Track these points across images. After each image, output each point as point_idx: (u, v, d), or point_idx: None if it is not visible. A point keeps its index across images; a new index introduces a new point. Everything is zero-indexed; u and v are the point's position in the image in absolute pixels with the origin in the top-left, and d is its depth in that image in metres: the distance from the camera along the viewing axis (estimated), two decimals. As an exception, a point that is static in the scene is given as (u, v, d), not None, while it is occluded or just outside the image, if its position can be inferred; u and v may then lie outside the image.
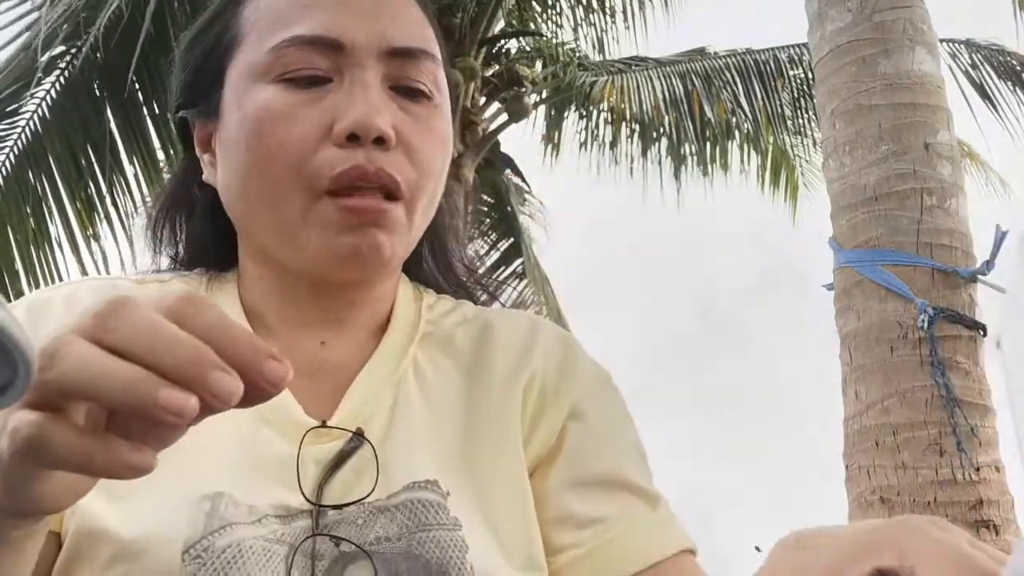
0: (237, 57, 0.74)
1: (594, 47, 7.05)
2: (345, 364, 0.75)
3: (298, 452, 0.68)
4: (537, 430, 0.76)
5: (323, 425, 0.70)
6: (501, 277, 7.84)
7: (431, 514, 0.67)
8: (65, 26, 5.09)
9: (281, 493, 0.66)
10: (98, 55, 4.94)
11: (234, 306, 0.77)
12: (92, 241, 5.51)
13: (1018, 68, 6.05)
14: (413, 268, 0.86)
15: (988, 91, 6.02)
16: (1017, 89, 6.03)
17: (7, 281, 5.41)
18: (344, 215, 0.69)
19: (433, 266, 0.87)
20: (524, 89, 6.56)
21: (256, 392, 0.44)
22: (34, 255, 5.45)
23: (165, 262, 0.84)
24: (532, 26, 6.97)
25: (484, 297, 0.90)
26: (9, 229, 5.41)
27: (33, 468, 0.45)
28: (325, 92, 0.71)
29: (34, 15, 5.27)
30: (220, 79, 0.75)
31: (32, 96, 5.39)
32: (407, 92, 0.73)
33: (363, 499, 0.67)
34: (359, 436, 0.70)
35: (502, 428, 0.75)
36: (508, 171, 7.72)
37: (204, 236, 0.82)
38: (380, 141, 0.70)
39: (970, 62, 6.10)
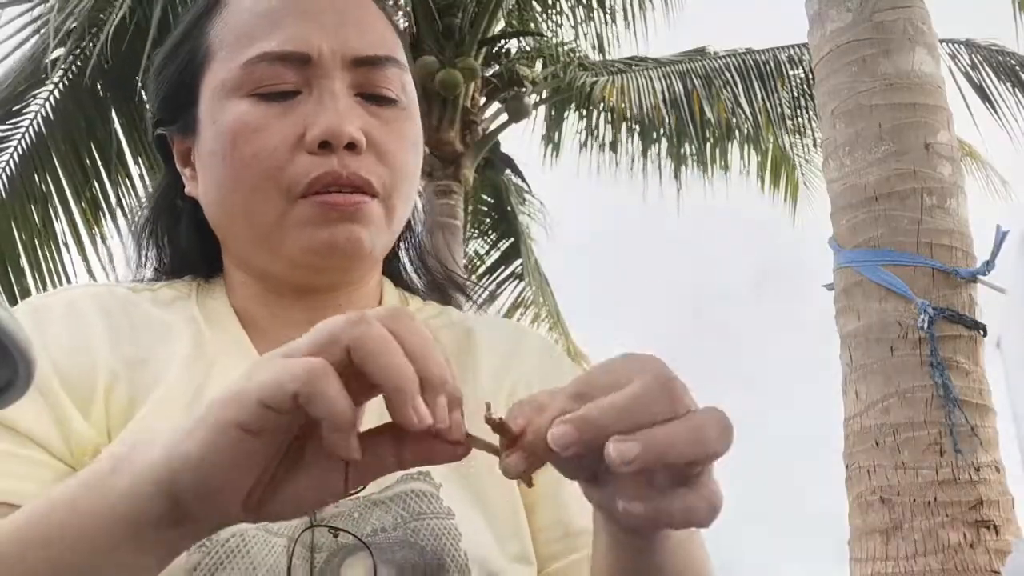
0: (208, 73, 0.77)
1: (594, 47, 7.05)
2: None
3: None
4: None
5: None
6: (501, 277, 7.84)
7: (424, 503, 0.69)
8: (71, 27, 5.09)
9: None
10: (103, 56, 4.94)
11: (226, 311, 0.79)
12: (98, 240, 5.53)
13: (1018, 68, 6.05)
14: (396, 275, 0.88)
15: (988, 91, 6.02)
16: (1017, 90, 6.03)
17: (12, 280, 5.42)
18: (321, 210, 0.72)
19: (406, 262, 0.89)
20: (524, 89, 6.57)
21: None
22: (40, 254, 5.46)
23: (148, 273, 0.86)
24: (532, 26, 6.97)
25: (465, 301, 0.92)
26: (15, 228, 5.43)
27: (277, 411, 0.47)
28: (296, 103, 0.74)
29: (40, 17, 5.27)
30: (195, 95, 0.78)
31: (37, 97, 5.40)
32: (374, 98, 0.76)
33: (357, 491, 0.68)
34: None
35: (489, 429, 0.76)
36: (508, 171, 7.72)
37: (190, 246, 0.84)
38: (351, 146, 0.73)
39: (970, 62, 6.10)
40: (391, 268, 0.87)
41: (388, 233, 0.77)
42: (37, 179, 5.44)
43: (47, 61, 5.06)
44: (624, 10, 6.89)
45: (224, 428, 0.48)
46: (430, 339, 0.49)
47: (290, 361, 0.48)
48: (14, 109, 5.38)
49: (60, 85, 5.40)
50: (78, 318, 0.75)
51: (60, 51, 5.22)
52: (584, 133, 7.28)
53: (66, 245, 5.47)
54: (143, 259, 0.86)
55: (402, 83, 0.78)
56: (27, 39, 5.29)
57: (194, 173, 0.80)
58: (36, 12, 5.32)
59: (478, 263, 7.90)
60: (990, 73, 6.06)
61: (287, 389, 0.47)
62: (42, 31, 5.14)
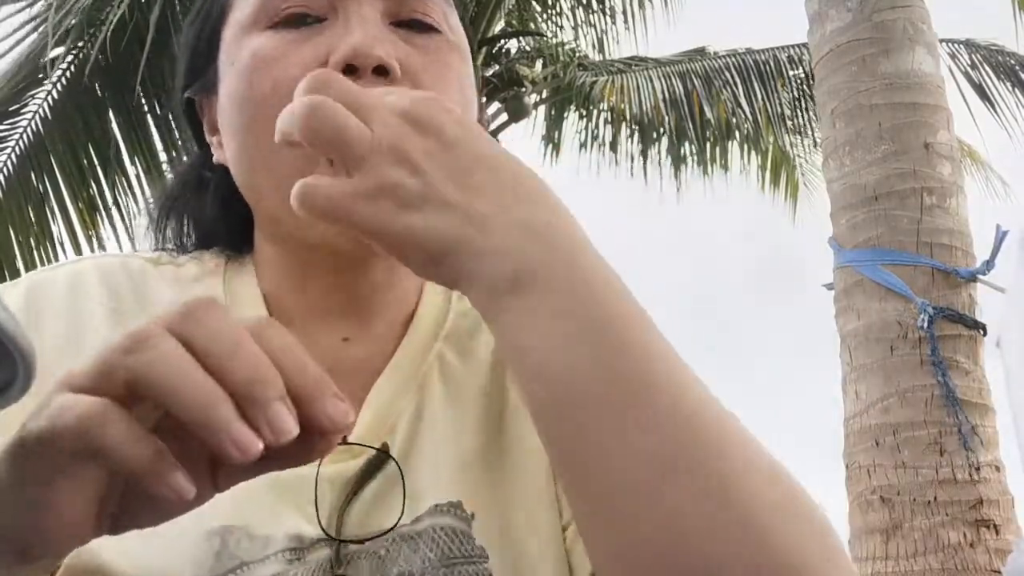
0: (228, 20, 0.70)
1: (594, 47, 7.05)
2: (367, 364, 0.69)
3: (316, 472, 0.62)
4: None
5: (343, 442, 0.63)
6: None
7: (456, 545, 0.63)
8: (69, 27, 5.10)
9: (297, 521, 0.61)
10: (101, 56, 4.94)
11: (253, 294, 0.71)
12: (94, 241, 5.53)
13: (1018, 68, 6.06)
14: None
15: (988, 91, 6.03)
16: (1017, 90, 6.04)
17: (9, 281, 5.42)
18: None
19: None
20: (524, 89, 6.56)
21: (314, 428, 0.42)
22: (36, 255, 5.47)
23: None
24: (532, 26, 6.97)
25: None
26: (11, 229, 5.43)
27: (56, 463, 0.40)
28: (320, 29, 0.65)
29: (39, 16, 5.28)
30: (215, 48, 0.71)
31: (35, 96, 5.40)
32: (412, 24, 0.66)
33: (387, 532, 0.62)
34: (383, 453, 0.64)
35: (526, 427, 0.68)
36: (508, 171, 7.72)
37: (217, 221, 0.75)
38: (382, 72, 0.62)
39: (970, 62, 6.10)
40: None
41: None
42: (34, 179, 5.44)
43: (45, 60, 5.06)
44: (624, 10, 6.88)
45: (18, 482, 0.42)
46: (238, 332, 0.41)
47: (65, 406, 0.40)
48: (11, 109, 5.38)
49: (58, 85, 5.40)
50: (78, 302, 0.68)
51: (59, 50, 5.22)
52: (584, 133, 7.28)
53: (62, 246, 5.47)
54: (162, 240, 0.77)
55: (445, 14, 0.68)
56: (26, 37, 5.29)
57: (221, 139, 0.71)
58: (35, 10, 5.33)
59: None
60: (990, 73, 6.06)
61: (61, 444, 0.40)
62: (41, 28, 5.14)
